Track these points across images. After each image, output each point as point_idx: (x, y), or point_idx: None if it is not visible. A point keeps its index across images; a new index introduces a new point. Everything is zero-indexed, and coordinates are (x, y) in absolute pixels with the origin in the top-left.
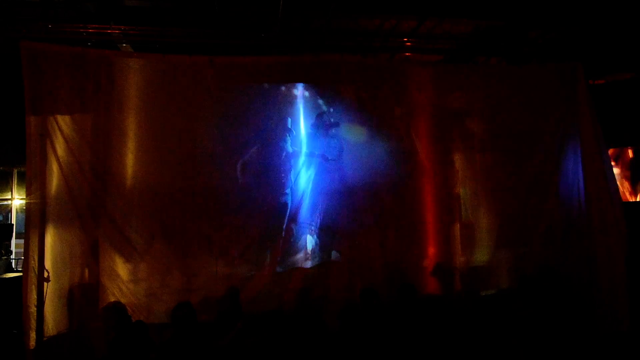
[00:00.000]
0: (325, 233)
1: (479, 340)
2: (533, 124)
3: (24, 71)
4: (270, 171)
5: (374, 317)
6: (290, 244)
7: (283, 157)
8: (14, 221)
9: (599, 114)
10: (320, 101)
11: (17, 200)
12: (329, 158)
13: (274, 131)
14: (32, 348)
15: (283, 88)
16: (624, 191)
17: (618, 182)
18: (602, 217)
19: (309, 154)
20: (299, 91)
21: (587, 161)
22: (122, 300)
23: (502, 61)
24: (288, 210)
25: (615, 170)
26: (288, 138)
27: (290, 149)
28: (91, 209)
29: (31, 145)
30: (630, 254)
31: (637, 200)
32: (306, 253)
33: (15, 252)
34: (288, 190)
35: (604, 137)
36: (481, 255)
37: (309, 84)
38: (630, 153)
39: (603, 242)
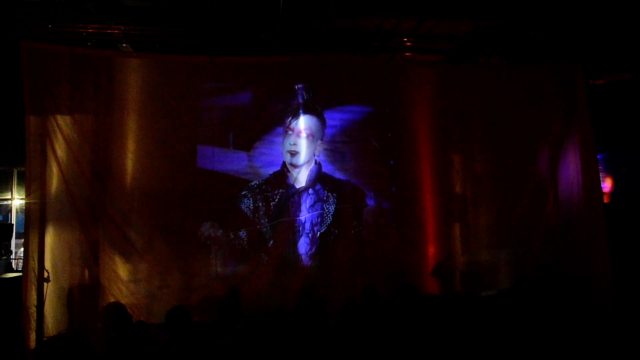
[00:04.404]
0: (326, 232)
1: (479, 340)
2: (533, 123)
3: (24, 71)
4: (271, 171)
5: (374, 317)
6: (290, 243)
7: (284, 156)
8: (14, 221)
9: (598, 114)
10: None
11: (17, 200)
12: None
13: (275, 131)
14: (32, 348)
15: (283, 88)
16: None
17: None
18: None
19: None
20: (299, 91)
21: (583, 161)
22: (122, 301)
23: (502, 61)
24: (288, 210)
25: None
26: (289, 137)
27: (291, 148)
28: (91, 209)
29: (31, 145)
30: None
31: None
32: (307, 252)
33: (15, 252)
34: (288, 190)
35: (604, 138)
36: (481, 255)
37: (309, 84)
38: None
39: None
